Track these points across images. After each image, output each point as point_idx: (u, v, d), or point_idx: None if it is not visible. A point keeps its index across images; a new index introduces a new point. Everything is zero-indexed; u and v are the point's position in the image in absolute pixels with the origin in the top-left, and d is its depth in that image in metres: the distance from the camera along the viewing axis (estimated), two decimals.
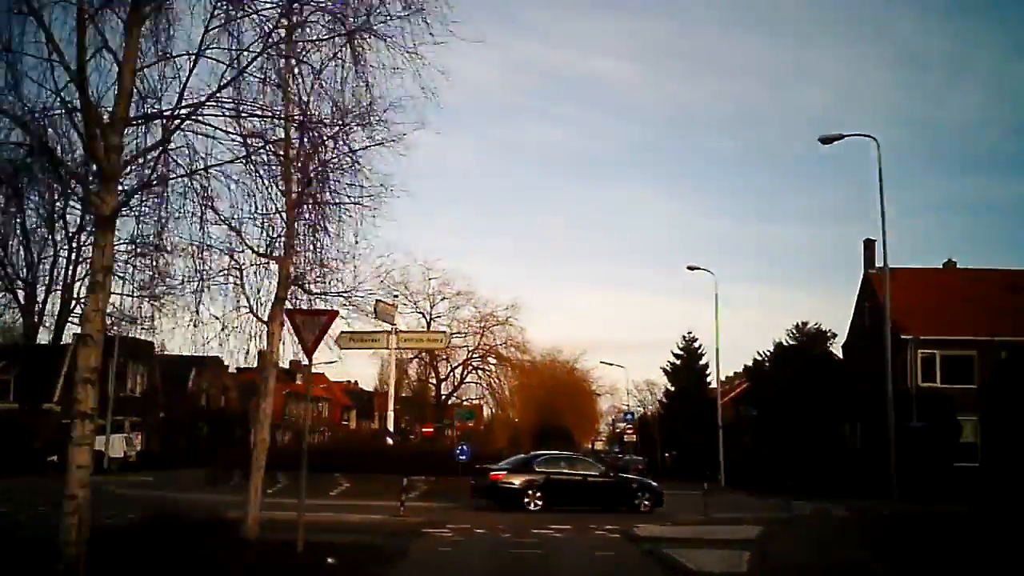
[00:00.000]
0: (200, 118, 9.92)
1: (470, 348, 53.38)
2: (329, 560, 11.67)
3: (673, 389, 64.79)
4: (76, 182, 9.94)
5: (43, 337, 41.05)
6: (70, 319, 39.30)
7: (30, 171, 10.50)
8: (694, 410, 56.87)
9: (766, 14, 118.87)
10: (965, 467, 35.63)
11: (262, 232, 13.25)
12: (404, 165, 20.52)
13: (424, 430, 52.11)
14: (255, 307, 13.94)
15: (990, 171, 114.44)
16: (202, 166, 9.97)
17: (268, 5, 10.43)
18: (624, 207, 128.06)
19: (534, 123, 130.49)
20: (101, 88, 9.80)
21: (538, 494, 24.89)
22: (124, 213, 12.41)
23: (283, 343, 14.19)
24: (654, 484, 27.46)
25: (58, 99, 9.40)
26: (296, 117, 11.24)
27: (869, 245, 43.89)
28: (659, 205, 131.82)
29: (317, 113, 11.72)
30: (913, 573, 12.93)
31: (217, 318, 13.59)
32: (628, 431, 67.02)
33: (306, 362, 14.03)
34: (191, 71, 9.63)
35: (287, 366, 33.06)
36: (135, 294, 13.43)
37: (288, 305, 13.88)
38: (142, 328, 28.30)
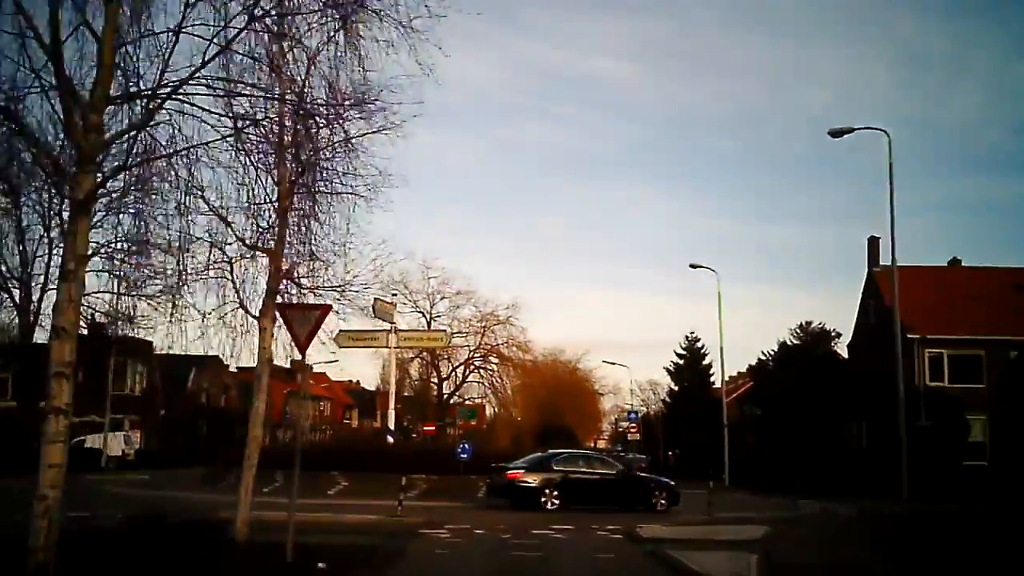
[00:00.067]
0: (186, 98, 9.40)
1: (471, 348, 53.15)
2: (319, 565, 11.06)
3: (676, 389, 64.89)
4: (51, 163, 9.42)
5: (40, 336, 40.80)
6: None
7: (9, 153, 10.03)
8: (697, 409, 57.06)
9: (766, 14, 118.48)
10: (974, 466, 35.43)
11: (250, 221, 12.75)
12: (402, 149, 20.03)
13: (426, 429, 51.76)
14: (245, 302, 13.34)
15: (990, 171, 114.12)
16: (185, 146, 9.42)
17: None
18: (624, 207, 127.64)
19: (534, 123, 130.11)
20: (83, 68, 9.33)
21: (555, 493, 24.50)
22: (113, 210, 11.94)
23: (276, 339, 13.64)
24: (671, 483, 27.05)
25: (34, 76, 8.92)
26: (289, 97, 10.67)
27: (873, 243, 43.64)
28: (659, 205, 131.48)
29: (310, 94, 11.24)
30: (925, 574, 12.51)
31: (205, 315, 13.06)
32: (632, 430, 66.73)
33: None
34: (173, 46, 9.12)
35: (288, 365, 32.71)
36: (130, 292, 12.97)
37: (279, 299, 13.36)
38: (135, 326, 28.11)
